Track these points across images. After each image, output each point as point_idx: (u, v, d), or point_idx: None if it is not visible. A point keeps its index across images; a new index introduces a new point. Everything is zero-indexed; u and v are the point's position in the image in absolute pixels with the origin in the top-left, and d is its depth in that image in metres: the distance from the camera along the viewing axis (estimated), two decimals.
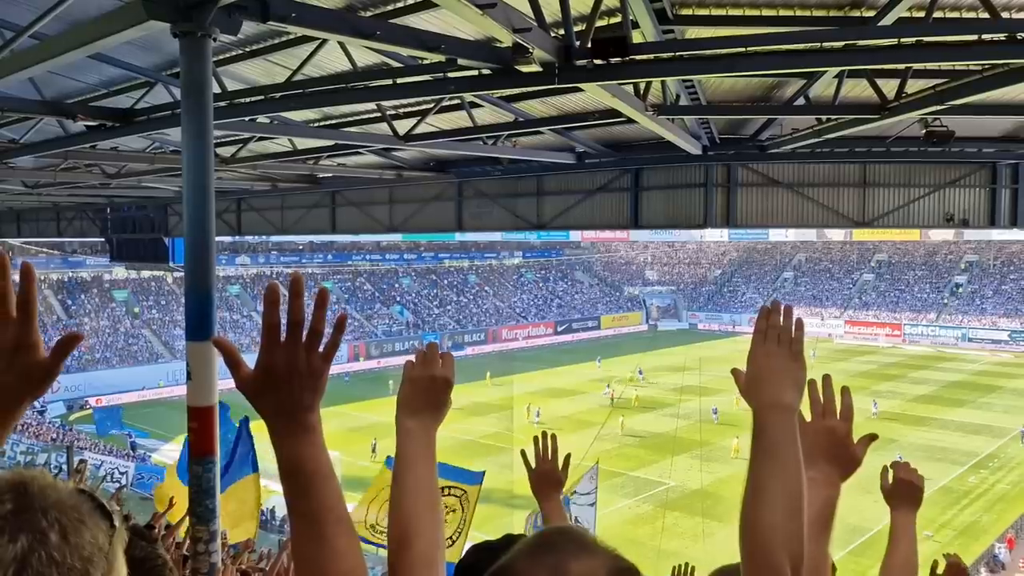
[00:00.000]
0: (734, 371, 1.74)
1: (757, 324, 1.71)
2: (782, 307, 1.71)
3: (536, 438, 2.82)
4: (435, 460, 1.73)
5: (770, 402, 1.61)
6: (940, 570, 2.90)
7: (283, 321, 1.33)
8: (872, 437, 2.06)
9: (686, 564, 5.51)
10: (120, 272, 58.98)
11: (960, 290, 76.25)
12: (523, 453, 2.84)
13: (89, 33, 6.06)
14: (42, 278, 58.66)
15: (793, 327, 1.68)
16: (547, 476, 2.76)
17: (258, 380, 1.33)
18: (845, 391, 2.04)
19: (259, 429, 1.39)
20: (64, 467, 22.46)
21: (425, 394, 1.76)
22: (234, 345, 1.34)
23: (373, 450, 34.10)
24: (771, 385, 1.63)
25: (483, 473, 10.65)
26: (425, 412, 1.75)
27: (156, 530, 5.06)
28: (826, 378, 2.04)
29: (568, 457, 2.81)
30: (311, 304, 1.33)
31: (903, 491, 2.53)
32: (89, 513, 1.03)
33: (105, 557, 1.01)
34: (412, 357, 1.82)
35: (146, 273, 59.25)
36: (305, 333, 1.32)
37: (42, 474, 1.05)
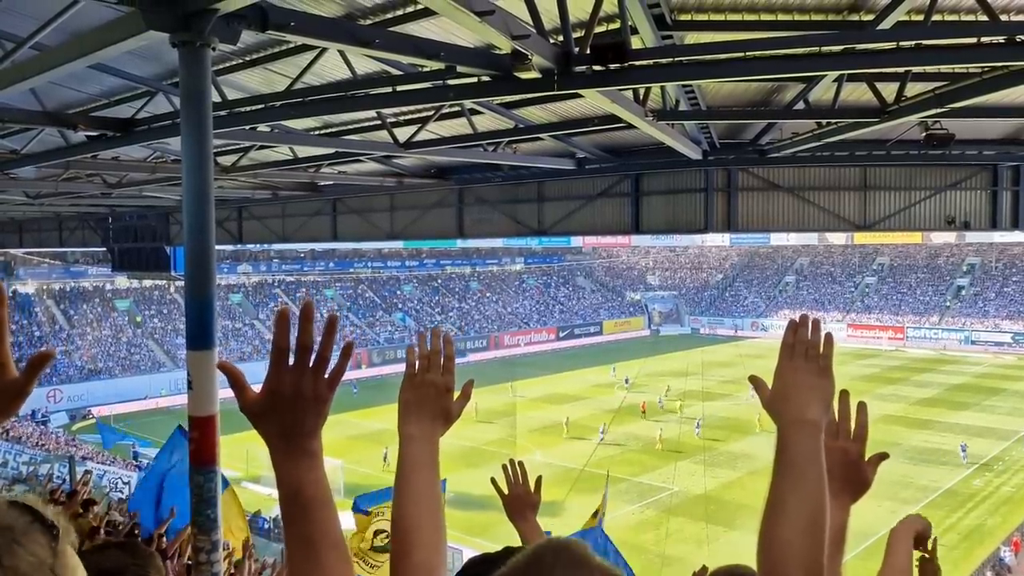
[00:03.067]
0: (751, 378, 1.71)
1: (784, 338, 1.67)
2: (810, 321, 1.67)
3: (505, 466, 2.86)
4: (438, 467, 1.70)
5: (794, 418, 1.57)
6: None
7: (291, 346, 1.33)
8: (883, 456, 2.01)
9: (703, 568, 5.44)
10: (122, 281, 59.05)
11: (962, 292, 76.12)
12: (493, 481, 2.88)
13: (89, 43, 6.07)
14: (44, 288, 58.81)
15: (821, 342, 1.64)
16: (521, 500, 2.79)
17: (263, 403, 1.34)
18: (861, 408, 1.96)
19: (261, 445, 1.38)
20: (67, 477, 22.41)
21: (425, 401, 1.73)
22: (239, 369, 1.35)
23: (385, 459, 34.00)
24: (796, 401, 1.59)
25: (444, 481, 10.57)
26: (426, 418, 1.72)
27: (155, 543, 5.04)
28: (843, 395, 1.95)
29: (539, 479, 2.84)
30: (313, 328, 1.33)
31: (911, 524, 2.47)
32: (24, 531, 0.98)
33: (51, 570, 0.97)
34: (416, 361, 1.77)
35: (148, 282, 59.32)
36: (312, 358, 1.33)
37: None
